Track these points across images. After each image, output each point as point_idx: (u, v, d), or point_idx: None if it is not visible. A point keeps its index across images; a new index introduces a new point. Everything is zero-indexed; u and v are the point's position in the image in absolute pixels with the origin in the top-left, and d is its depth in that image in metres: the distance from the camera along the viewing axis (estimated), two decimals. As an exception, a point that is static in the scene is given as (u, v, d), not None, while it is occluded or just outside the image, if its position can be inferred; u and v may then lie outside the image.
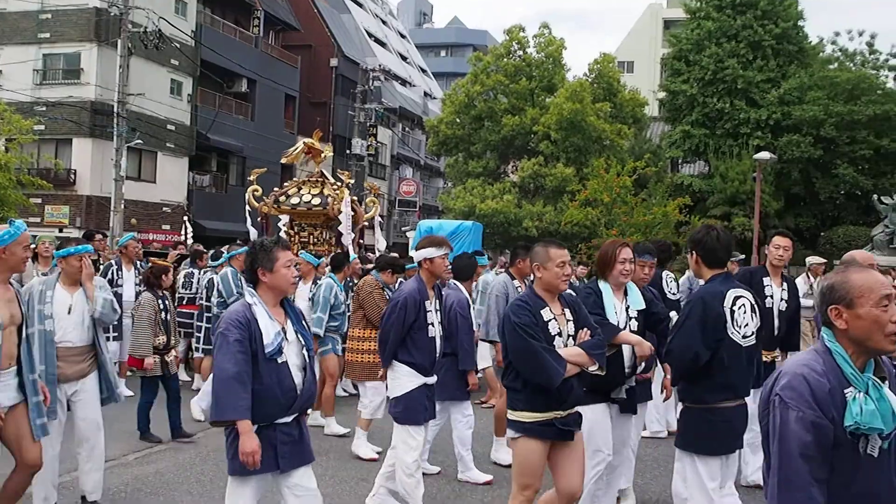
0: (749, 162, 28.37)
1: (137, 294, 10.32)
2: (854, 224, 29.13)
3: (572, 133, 31.24)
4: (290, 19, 43.05)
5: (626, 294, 5.38)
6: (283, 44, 43.09)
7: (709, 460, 4.60)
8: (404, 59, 60.62)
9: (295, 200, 11.84)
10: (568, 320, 4.65)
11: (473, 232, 18.43)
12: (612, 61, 34.89)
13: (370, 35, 53.80)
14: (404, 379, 5.84)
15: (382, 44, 56.16)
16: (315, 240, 11.82)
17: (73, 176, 29.89)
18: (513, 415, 4.63)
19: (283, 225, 12.07)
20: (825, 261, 14.39)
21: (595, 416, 5.06)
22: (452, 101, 34.90)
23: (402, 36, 65.19)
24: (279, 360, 4.16)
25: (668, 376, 4.96)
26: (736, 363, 4.59)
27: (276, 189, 12.33)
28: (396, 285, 8.17)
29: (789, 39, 31.40)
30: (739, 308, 4.59)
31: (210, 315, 10.45)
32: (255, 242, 4.33)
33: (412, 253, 6.25)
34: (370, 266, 11.15)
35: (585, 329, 4.65)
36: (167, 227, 32.04)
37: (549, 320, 4.56)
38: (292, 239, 11.73)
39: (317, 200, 11.60)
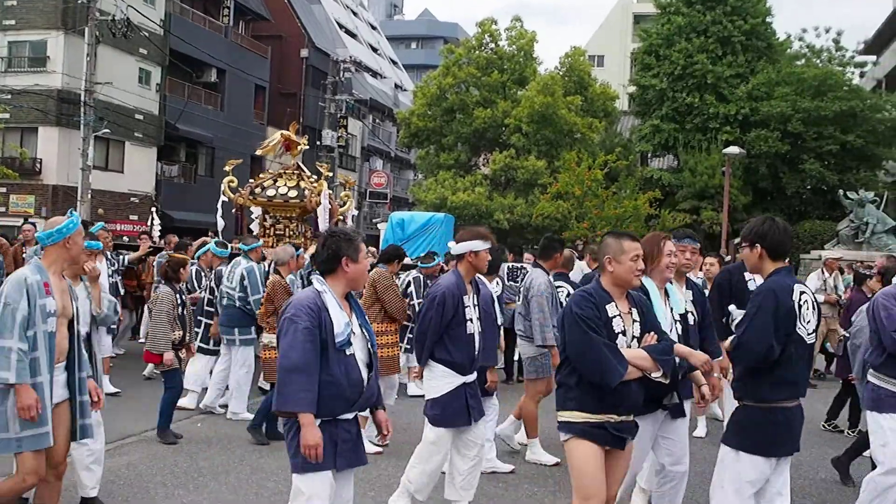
0: (718, 156, 28.70)
1: (112, 284, 10.24)
2: (820, 219, 29.56)
3: (543, 126, 31.33)
4: (261, 9, 42.72)
5: (667, 295, 5.09)
6: (254, 34, 42.73)
7: (758, 461, 4.38)
8: (375, 50, 60.39)
9: (271, 192, 11.75)
10: (634, 321, 4.31)
11: (445, 224, 18.51)
12: (582, 55, 35.01)
13: (341, 26, 53.51)
14: (442, 380, 5.53)
15: (353, 35, 55.91)
16: (291, 232, 11.74)
17: (38, 165, 29.46)
18: (563, 415, 4.29)
19: (256, 217, 11.98)
20: (841, 255, 13.93)
21: (641, 428, 4.60)
22: (424, 93, 34.84)
23: (373, 27, 64.93)
24: (347, 352, 4.00)
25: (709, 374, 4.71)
26: (801, 360, 4.41)
27: (251, 180, 12.20)
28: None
29: (758, 35, 31.77)
30: (804, 303, 4.40)
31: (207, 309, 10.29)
32: (337, 232, 4.16)
33: (451, 244, 5.75)
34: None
35: (652, 333, 4.31)
36: (135, 217, 31.68)
37: (614, 317, 4.23)
38: (266, 231, 11.65)
39: (293, 193, 11.50)
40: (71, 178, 28.05)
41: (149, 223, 19.21)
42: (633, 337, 4.28)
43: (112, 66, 28.97)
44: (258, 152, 12.81)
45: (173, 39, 33.45)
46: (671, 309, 5.05)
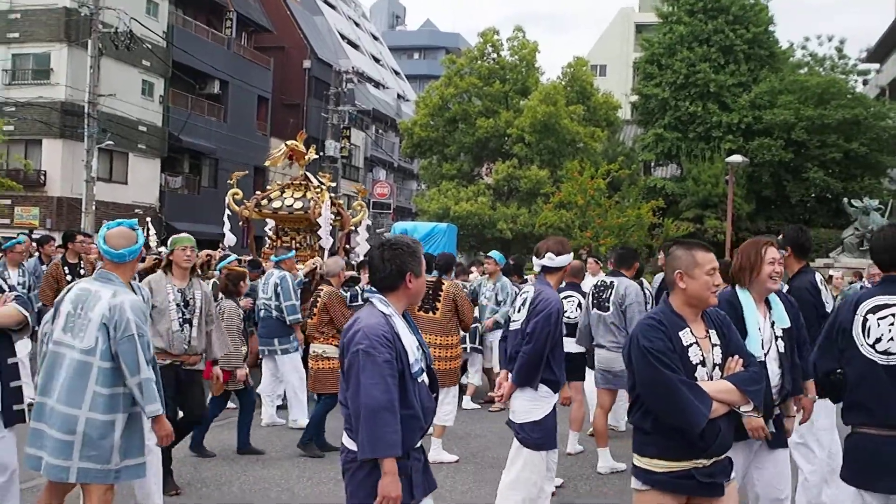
0: (721, 165, 28.65)
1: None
2: (824, 227, 29.45)
3: (546, 136, 31.36)
4: (263, 21, 42.86)
5: (769, 307, 4.37)
6: (256, 45, 42.89)
7: (860, 496, 3.90)
8: (377, 61, 60.55)
9: (277, 204, 11.67)
10: (714, 345, 3.66)
11: (448, 234, 18.48)
12: (585, 65, 35.07)
13: (343, 37, 53.67)
14: (545, 400, 5.22)
15: (355, 46, 56.06)
16: (298, 244, 11.62)
17: (43, 177, 29.54)
18: (640, 461, 3.66)
19: (270, 229, 11.93)
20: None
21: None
22: (426, 103, 34.91)
23: (375, 38, 65.13)
24: (419, 379, 3.57)
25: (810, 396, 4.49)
26: (868, 382, 3.87)
27: (257, 192, 12.15)
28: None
29: (760, 44, 31.75)
30: (884, 318, 3.87)
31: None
32: (398, 243, 3.59)
33: (549, 256, 5.36)
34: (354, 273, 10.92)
35: (736, 357, 3.67)
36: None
37: (690, 345, 3.58)
38: (275, 244, 11.59)
39: (299, 204, 11.44)
40: (75, 190, 28.12)
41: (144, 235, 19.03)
42: (715, 365, 3.64)
43: (115, 78, 29.05)
44: (266, 163, 12.77)
45: (176, 51, 33.55)
46: (772, 323, 4.37)
